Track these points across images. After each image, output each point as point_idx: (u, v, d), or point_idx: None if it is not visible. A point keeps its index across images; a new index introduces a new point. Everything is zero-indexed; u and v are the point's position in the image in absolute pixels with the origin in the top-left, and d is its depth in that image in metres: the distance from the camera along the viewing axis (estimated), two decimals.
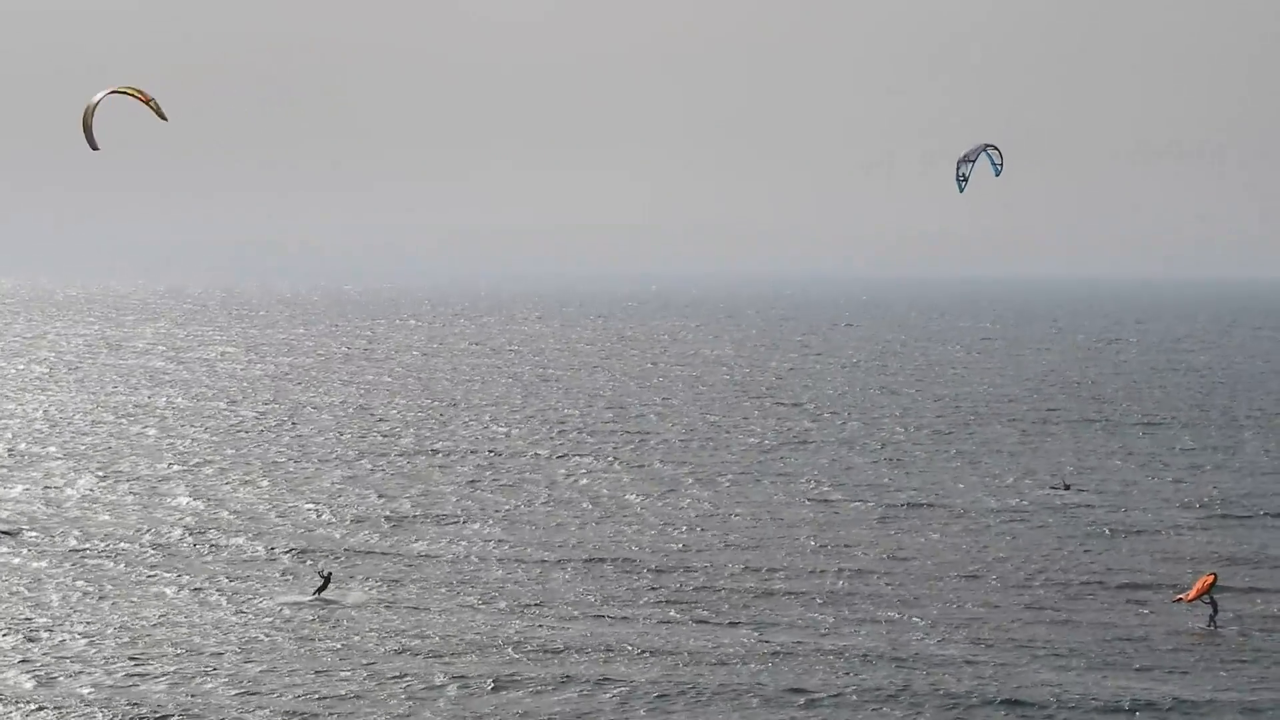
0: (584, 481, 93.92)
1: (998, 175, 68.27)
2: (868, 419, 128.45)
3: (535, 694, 50.97)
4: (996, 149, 68.17)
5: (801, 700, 50.20)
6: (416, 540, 75.55)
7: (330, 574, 63.91)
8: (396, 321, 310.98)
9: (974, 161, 68.13)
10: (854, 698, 50.35)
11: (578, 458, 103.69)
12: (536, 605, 62.65)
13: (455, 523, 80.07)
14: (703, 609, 62.21)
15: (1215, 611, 60.51)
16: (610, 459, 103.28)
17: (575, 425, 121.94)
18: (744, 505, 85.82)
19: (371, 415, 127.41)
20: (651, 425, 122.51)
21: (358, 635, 57.70)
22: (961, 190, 68.47)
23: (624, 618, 60.71)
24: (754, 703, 50.04)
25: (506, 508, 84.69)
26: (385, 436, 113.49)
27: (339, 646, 56.10)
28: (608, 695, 50.74)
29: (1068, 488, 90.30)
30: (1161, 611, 62.00)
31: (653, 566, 69.84)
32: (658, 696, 50.63)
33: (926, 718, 48.87)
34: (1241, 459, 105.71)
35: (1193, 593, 60.96)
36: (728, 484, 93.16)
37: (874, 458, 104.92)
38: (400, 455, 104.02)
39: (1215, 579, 61.02)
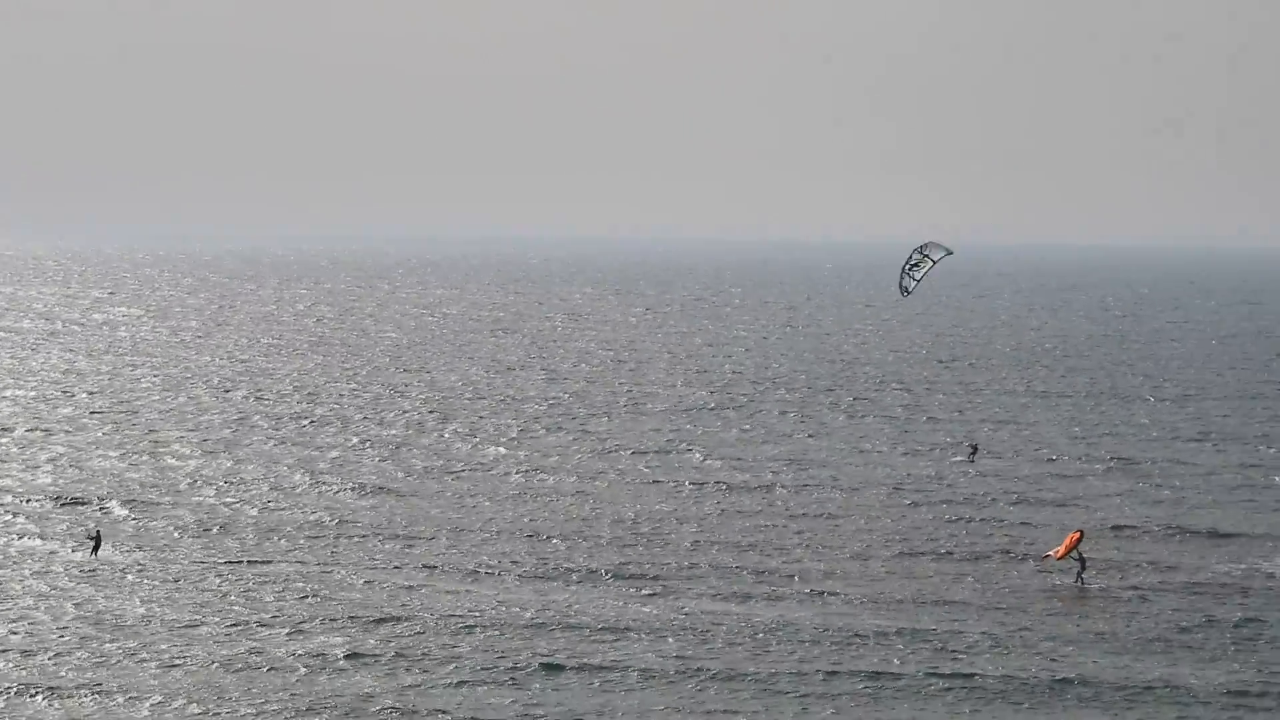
0: (494, 450, 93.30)
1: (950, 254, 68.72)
2: (783, 386, 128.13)
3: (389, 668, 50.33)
4: (948, 250, 68.68)
5: (720, 674, 49.12)
6: (320, 510, 74.48)
7: (100, 533, 62.69)
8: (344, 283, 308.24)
9: (918, 280, 67.80)
10: (783, 673, 49.16)
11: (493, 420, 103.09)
12: (417, 570, 61.92)
13: (352, 490, 78.95)
14: (583, 575, 61.36)
15: (1083, 568, 60.49)
16: (512, 424, 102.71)
17: (498, 392, 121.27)
18: (655, 476, 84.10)
19: (274, 377, 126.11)
20: (556, 391, 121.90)
21: (278, 604, 56.60)
22: (905, 296, 69.05)
23: (494, 580, 60.11)
24: (660, 677, 48.77)
25: (392, 472, 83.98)
26: (304, 403, 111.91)
27: (259, 613, 55.12)
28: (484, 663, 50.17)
29: (974, 450, 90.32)
30: (1049, 571, 61.76)
31: (543, 536, 68.64)
32: (511, 669, 49.95)
33: (853, 686, 48.11)
34: (1147, 424, 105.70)
35: (1061, 549, 60.99)
36: (629, 451, 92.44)
37: (789, 427, 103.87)
38: (301, 421, 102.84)
39: (1082, 535, 61.11)
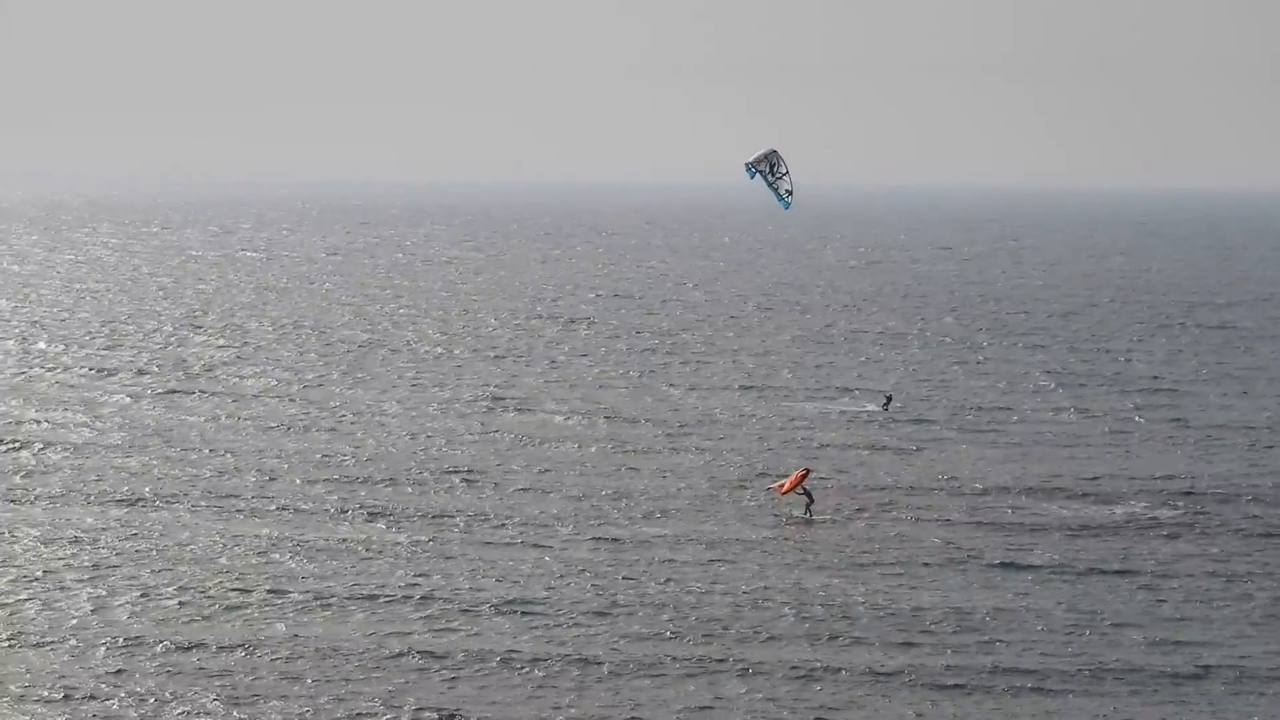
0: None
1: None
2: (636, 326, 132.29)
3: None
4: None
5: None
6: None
7: None
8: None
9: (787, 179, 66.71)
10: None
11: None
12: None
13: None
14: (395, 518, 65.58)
15: (811, 502, 66.46)
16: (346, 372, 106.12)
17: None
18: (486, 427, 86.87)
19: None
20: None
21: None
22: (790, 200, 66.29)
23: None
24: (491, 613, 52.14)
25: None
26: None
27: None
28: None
29: (889, 400, 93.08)
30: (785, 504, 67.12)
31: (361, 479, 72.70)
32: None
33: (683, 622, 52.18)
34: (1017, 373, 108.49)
35: (787, 484, 66.08)
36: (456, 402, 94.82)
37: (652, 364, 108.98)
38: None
39: (807, 473, 66.50)
